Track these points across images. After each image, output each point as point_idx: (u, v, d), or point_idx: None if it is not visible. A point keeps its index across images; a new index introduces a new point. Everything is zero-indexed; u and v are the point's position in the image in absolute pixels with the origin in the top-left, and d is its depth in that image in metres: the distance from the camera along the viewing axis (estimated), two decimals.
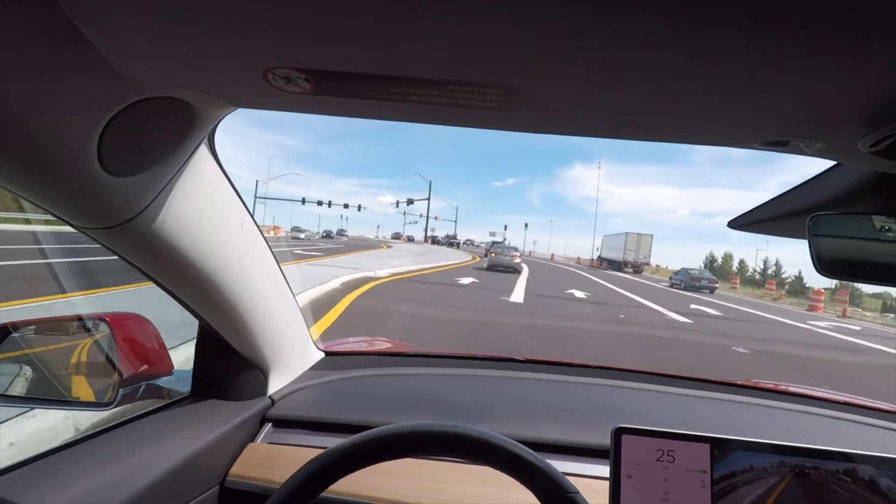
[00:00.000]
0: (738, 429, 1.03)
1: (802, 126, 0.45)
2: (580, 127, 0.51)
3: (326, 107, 0.51)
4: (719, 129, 0.49)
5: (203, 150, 0.66)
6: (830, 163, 0.58)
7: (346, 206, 60.54)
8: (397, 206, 62.57)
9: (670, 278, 25.97)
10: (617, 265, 42.78)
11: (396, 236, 64.42)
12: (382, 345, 1.80)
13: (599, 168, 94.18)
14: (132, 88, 0.48)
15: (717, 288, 24.26)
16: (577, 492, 0.55)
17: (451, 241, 63.80)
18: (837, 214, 0.60)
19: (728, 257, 57.10)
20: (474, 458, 0.58)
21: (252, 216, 0.84)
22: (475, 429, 0.58)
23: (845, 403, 1.21)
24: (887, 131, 0.41)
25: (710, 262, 54.69)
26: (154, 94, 0.50)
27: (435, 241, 67.00)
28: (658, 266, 56.61)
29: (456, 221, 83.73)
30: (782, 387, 1.33)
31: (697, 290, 22.56)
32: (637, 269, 42.15)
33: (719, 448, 0.67)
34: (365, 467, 0.58)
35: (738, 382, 1.33)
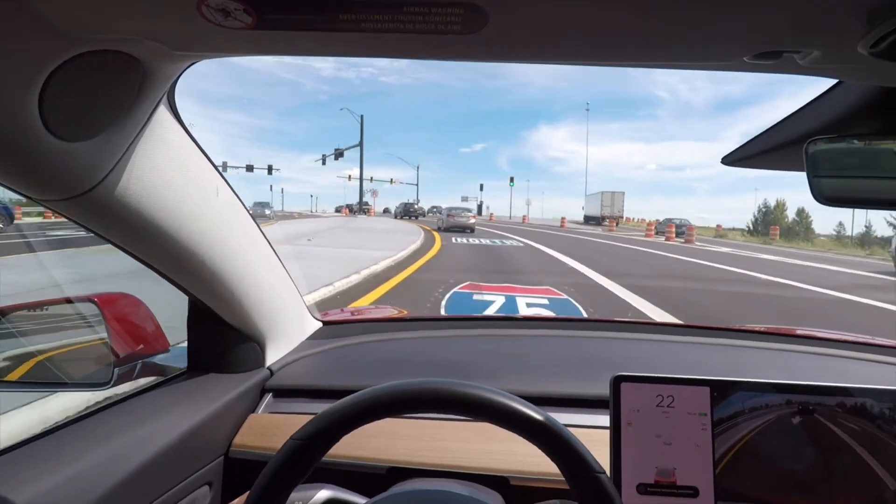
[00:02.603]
0: (739, 372, 1.04)
1: (796, 30, 0.42)
2: (549, 52, 0.48)
3: (272, 45, 0.48)
4: (702, 45, 0.46)
5: (163, 113, 0.64)
6: (824, 87, 0.55)
7: (269, 169, 49.86)
8: (323, 162, 45.31)
9: (655, 226, 30.00)
10: (596, 220, 48.64)
11: (407, 211, 51.86)
12: (381, 312, 1.80)
13: (588, 110, 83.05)
14: (65, 40, 0.45)
15: (684, 231, 27.72)
16: (604, 471, 0.54)
17: (408, 211, 47.37)
18: (836, 138, 0.57)
19: (781, 205, 48.53)
20: (500, 423, 0.56)
21: (229, 184, 0.81)
22: (503, 394, 0.56)
23: (845, 341, 1.22)
24: (888, 27, 0.38)
25: (763, 213, 50.86)
26: (93, 48, 0.47)
27: (390, 211, 55.21)
28: (629, 219, 57.92)
29: (417, 185, 72.48)
30: (781, 329, 1.34)
31: (677, 235, 25.88)
32: (615, 221, 46.19)
33: (719, 390, 0.67)
34: (393, 415, 0.56)
35: (737, 327, 1.34)
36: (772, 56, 0.45)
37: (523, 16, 0.41)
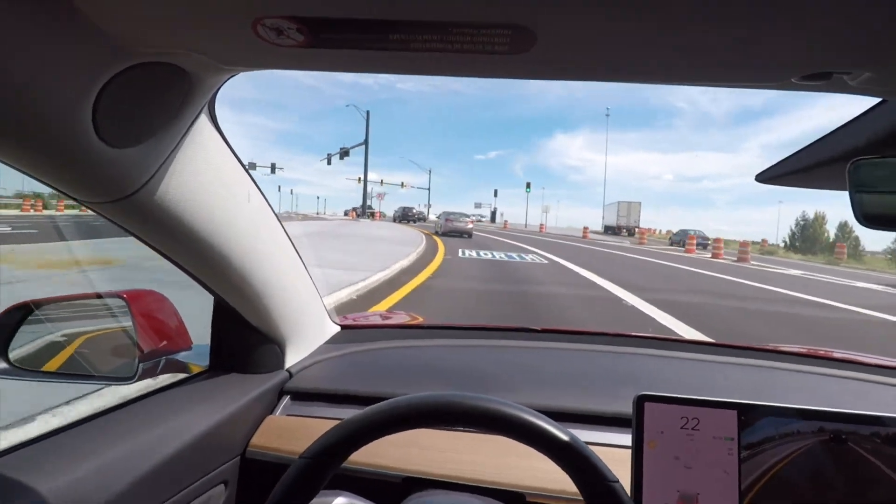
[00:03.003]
0: (767, 395, 1.01)
1: (849, 51, 0.41)
2: (595, 70, 0.48)
3: (322, 61, 0.48)
4: (752, 66, 0.45)
5: (204, 121, 0.65)
6: (869, 104, 0.53)
7: (272, 168, 45.98)
8: (328, 162, 42.55)
9: (670, 238, 31.38)
10: (612, 230, 49.87)
11: (406, 215, 51.28)
12: (399, 318, 1.80)
13: (608, 115, 76.75)
14: (122, 53, 0.47)
15: (709, 244, 27.75)
16: (618, 481, 0.54)
17: (406, 215, 46.00)
18: (882, 158, 0.55)
19: (820, 219, 43.45)
20: (512, 435, 0.56)
21: (259, 189, 0.82)
22: (516, 406, 0.56)
23: (877, 366, 1.18)
24: None
25: (801, 226, 46.19)
26: (145, 60, 0.49)
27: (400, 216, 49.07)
28: (652, 231, 56.89)
29: (429, 189, 69.19)
30: (811, 351, 1.30)
31: (700, 247, 26.67)
32: (630, 232, 47.53)
33: (747, 414, 0.64)
34: (400, 431, 0.57)
35: (766, 347, 1.30)
36: (822, 77, 0.44)
37: (571, 36, 0.41)
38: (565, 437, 0.54)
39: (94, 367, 0.96)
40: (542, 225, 45.65)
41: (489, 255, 14.27)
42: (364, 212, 45.72)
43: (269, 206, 0.87)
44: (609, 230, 51.41)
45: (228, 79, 0.59)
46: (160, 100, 0.55)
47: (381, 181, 60.62)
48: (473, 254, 14.57)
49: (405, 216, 46.49)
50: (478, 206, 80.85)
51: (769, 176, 0.70)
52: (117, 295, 0.95)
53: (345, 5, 0.38)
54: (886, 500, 0.61)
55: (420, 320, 1.66)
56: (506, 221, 51.78)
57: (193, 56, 0.50)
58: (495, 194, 75.97)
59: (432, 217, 76.94)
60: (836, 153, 0.59)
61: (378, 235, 18.62)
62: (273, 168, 47.40)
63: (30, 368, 0.91)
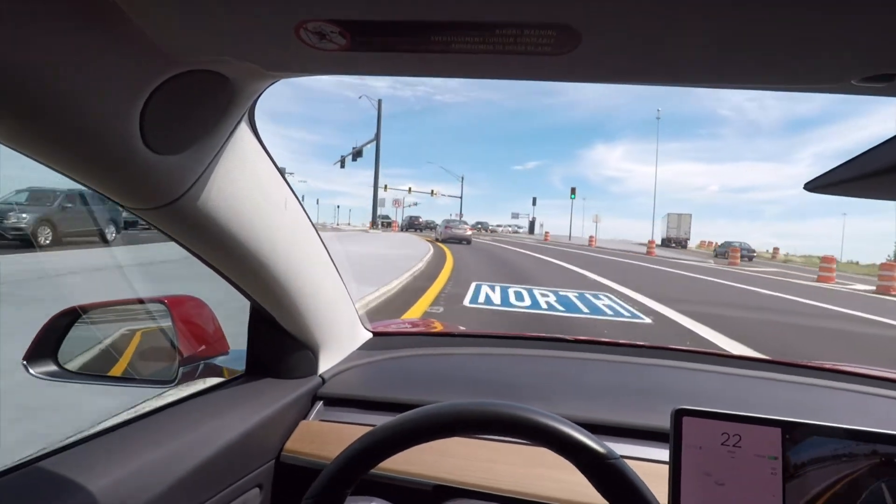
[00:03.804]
0: (814, 414, 0.96)
1: None
2: (641, 73, 0.46)
3: (364, 65, 0.48)
4: (808, 67, 0.43)
5: (244, 128, 0.66)
6: None
7: (282, 172, 44.07)
8: (342, 165, 38.68)
9: (714, 250, 31.14)
10: (666, 243, 48.97)
11: (412, 224, 50.54)
12: (431, 326, 1.80)
13: (658, 118, 63.43)
14: (168, 61, 0.48)
15: (755, 255, 29.08)
16: (619, 457, 0.52)
17: (413, 224, 46.45)
18: None
19: None
20: (506, 434, 0.56)
21: (296, 195, 0.84)
22: (505, 404, 0.56)
23: None
24: None
25: None
26: (190, 68, 0.50)
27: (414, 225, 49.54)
28: (704, 243, 55.30)
29: (461, 197, 63.44)
30: (863, 370, 1.23)
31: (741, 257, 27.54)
32: (680, 244, 47.37)
33: (792, 433, 0.61)
34: (400, 450, 0.57)
35: (813, 364, 1.24)
36: (883, 79, 0.42)
37: (617, 37, 0.40)
38: (603, 450, 0.52)
39: (137, 371, 0.99)
40: (591, 238, 39.58)
41: (526, 299, 8.08)
42: (376, 221, 41.74)
43: (305, 212, 0.88)
44: (664, 243, 49.85)
45: (269, 85, 0.60)
46: (204, 107, 0.56)
47: (410, 189, 57.29)
48: (496, 295, 8.18)
49: (411, 225, 48.19)
50: (515, 216, 78.37)
51: (819, 184, 0.67)
52: (158, 300, 0.98)
53: (387, 7, 0.38)
54: None
55: (454, 328, 1.65)
56: (546, 233, 46.36)
57: (238, 63, 0.51)
58: (534, 203, 69.55)
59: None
60: (893, 162, 0.56)
61: (374, 254, 14.38)
62: (283, 174, 45.68)
63: (77, 371, 0.95)
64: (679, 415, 0.64)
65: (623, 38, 0.40)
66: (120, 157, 0.52)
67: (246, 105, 0.60)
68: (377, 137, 38.21)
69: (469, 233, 26.91)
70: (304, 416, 0.99)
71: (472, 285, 9.11)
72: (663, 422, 0.65)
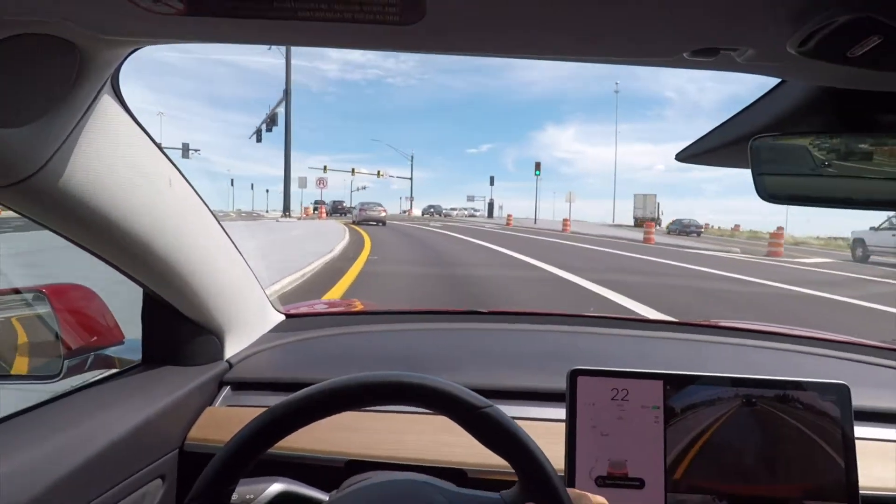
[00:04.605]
0: (695, 366, 1.07)
1: (727, 27, 0.43)
2: (487, 45, 0.48)
3: (206, 31, 0.47)
4: (641, 40, 0.46)
5: (108, 101, 0.62)
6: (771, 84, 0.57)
7: (184, 150, 34.40)
8: (258, 139, 31.25)
9: (667, 227, 30.68)
10: (639, 223, 48.11)
11: (336, 208, 47.91)
12: (352, 305, 1.79)
13: (616, 91, 64.24)
14: None
15: (702, 232, 28.83)
16: (491, 405, 0.54)
17: (337, 209, 45.26)
18: (778, 136, 0.59)
19: None
20: (383, 402, 0.57)
21: (183, 175, 0.79)
22: (380, 373, 0.56)
23: (801, 337, 1.26)
24: (812, 26, 0.39)
25: None
26: (21, 31, 0.46)
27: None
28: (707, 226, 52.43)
29: (412, 178, 60.22)
30: (739, 324, 1.38)
31: (688, 234, 27.81)
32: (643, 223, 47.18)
33: (672, 384, 0.69)
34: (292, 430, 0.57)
35: (695, 322, 1.37)
36: (710, 53, 0.46)
37: (462, 8, 0.41)
38: (474, 401, 0.54)
39: (14, 367, 0.91)
40: (566, 221, 30.67)
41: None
42: (288, 206, 32.18)
43: (196, 192, 0.84)
44: (636, 223, 48.35)
45: (127, 56, 0.56)
46: (49, 76, 0.52)
47: (353, 170, 52.39)
48: None
49: (335, 209, 47.41)
50: (470, 199, 73.71)
51: (687, 154, 0.74)
52: (37, 290, 0.90)
53: None
54: (794, 457, 0.66)
55: (371, 307, 1.65)
56: (510, 216, 37.86)
57: (73, 27, 0.47)
58: (491, 182, 59.88)
59: (416, 212, 64.01)
60: (742, 132, 0.63)
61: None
62: (185, 150, 36.50)
63: None
64: (574, 375, 0.69)
65: (466, 10, 0.41)
66: None
67: (102, 76, 0.56)
68: (286, 95, 29.43)
69: (383, 214, 28.18)
70: (210, 403, 0.95)
71: None
72: (562, 383, 0.70)
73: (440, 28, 0.44)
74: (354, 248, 12.71)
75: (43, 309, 0.90)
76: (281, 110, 29.73)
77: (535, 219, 43.51)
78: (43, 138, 0.55)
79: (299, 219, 30.61)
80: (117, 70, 0.60)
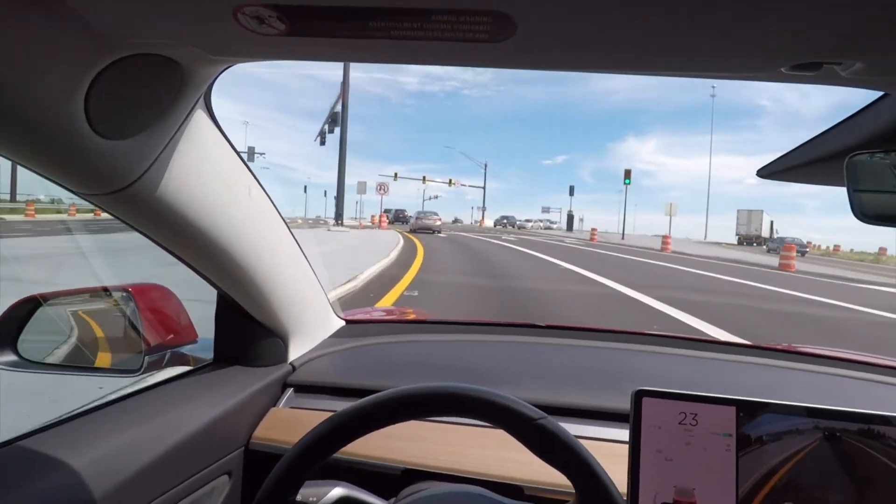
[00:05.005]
0: (771, 394, 1.01)
1: (837, 41, 0.40)
2: (578, 61, 0.48)
3: (304, 50, 0.49)
4: (738, 55, 0.44)
5: (200, 115, 0.66)
6: (873, 97, 0.53)
7: (250, 153, 36.44)
8: (322, 142, 31.67)
9: (766, 245, 29.09)
10: (744, 242, 45.65)
11: (398, 217, 46.99)
12: (405, 314, 1.81)
13: (713, 96, 56.61)
14: (109, 44, 0.48)
15: (807, 252, 27.17)
16: (546, 417, 0.54)
17: (399, 217, 45.35)
18: (879, 152, 0.55)
19: None
20: (439, 413, 0.57)
21: (260, 184, 0.83)
22: (440, 384, 0.57)
23: (885, 367, 1.16)
24: None
25: None
26: (134, 52, 0.49)
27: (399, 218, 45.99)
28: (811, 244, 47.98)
29: (484, 187, 59.09)
30: (819, 351, 1.28)
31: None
32: (749, 241, 44.75)
33: (746, 411, 0.64)
34: (359, 435, 0.58)
35: (771, 346, 1.28)
36: (811, 67, 0.44)
37: (552, 25, 0.41)
38: (530, 413, 0.54)
39: (101, 360, 0.98)
40: (666, 238, 24.84)
41: None
42: (341, 214, 29.77)
43: (271, 200, 0.88)
44: (740, 241, 46.28)
45: (222, 71, 0.60)
46: (153, 92, 0.55)
47: (424, 178, 52.07)
48: None
49: (397, 218, 47.88)
50: (545, 210, 72.01)
51: (771, 171, 0.70)
52: (123, 289, 0.96)
53: None
54: (884, 498, 0.60)
55: (428, 316, 1.66)
56: (594, 230, 33.67)
57: (183, 47, 0.51)
58: (571, 192, 55.61)
59: (488, 222, 61.18)
60: (836, 148, 0.59)
61: None
62: (251, 153, 37.85)
63: (38, 361, 0.93)
64: (639, 396, 0.66)
65: (557, 26, 0.41)
66: (67, 143, 0.51)
67: (199, 90, 0.60)
68: (343, 94, 26.98)
69: (438, 223, 30.24)
70: (275, 404, 0.99)
71: None
72: (626, 403, 0.67)
73: (531, 45, 0.44)
74: (400, 265, 10.61)
75: (128, 307, 0.96)
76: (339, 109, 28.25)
77: (623, 233, 38.58)
78: (143, 150, 0.59)
79: (361, 227, 30.31)
80: (210, 85, 0.64)
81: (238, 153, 0.77)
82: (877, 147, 0.55)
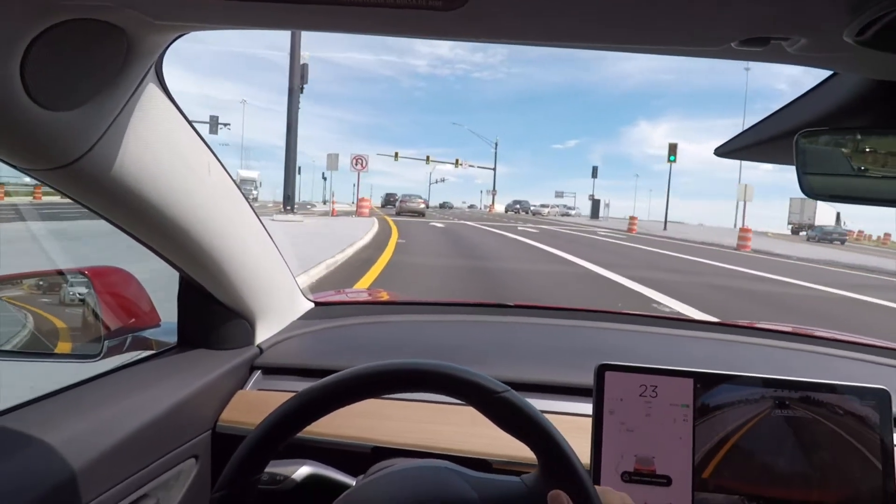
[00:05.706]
0: (727, 366, 1.05)
1: (781, 15, 0.41)
2: (532, 32, 0.47)
3: (251, 17, 0.48)
4: (689, 29, 0.45)
5: (151, 87, 0.64)
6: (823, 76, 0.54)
7: (213, 123, 31.45)
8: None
9: (807, 233, 28.42)
10: (799, 231, 43.93)
11: (389, 201, 45.34)
12: (377, 295, 1.81)
13: (747, 69, 41.82)
14: (44, 9, 0.45)
15: (846, 240, 26.93)
16: (509, 389, 0.55)
17: (389, 201, 44.03)
18: (827, 130, 0.56)
19: None
20: (405, 388, 0.57)
21: (220, 163, 0.81)
22: (403, 361, 0.57)
23: (838, 340, 1.22)
24: (873, 14, 0.37)
25: None
26: (73, 16, 0.47)
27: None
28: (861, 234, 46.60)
29: (495, 168, 55.11)
30: (773, 325, 1.34)
31: (830, 242, 25.84)
32: (802, 230, 43.11)
33: (703, 382, 0.68)
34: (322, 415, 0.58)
35: (728, 322, 1.34)
36: (759, 42, 0.44)
37: None
38: (492, 386, 0.55)
39: (58, 346, 0.95)
40: (746, 231, 18.99)
41: None
42: (290, 198, 20.63)
43: (232, 179, 0.85)
44: (795, 231, 44.56)
45: (173, 41, 0.57)
46: (97, 60, 0.53)
47: (428, 158, 46.94)
48: None
49: (388, 202, 46.62)
50: (559, 195, 66.47)
51: (727, 150, 0.71)
52: (80, 271, 0.93)
53: None
54: (829, 463, 0.64)
55: (399, 297, 1.66)
56: (633, 219, 27.88)
57: (126, 12, 0.48)
58: (594, 174, 49.23)
59: (499, 207, 56.86)
60: (787, 127, 0.60)
61: None
62: (214, 124, 32.65)
63: None
64: (601, 370, 0.69)
65: None
66: (5, 113, 0.49)
67: (148, 60, 0.58)
68: (292, 59, 19.59)
69: (422, 206, 29.98)
70: (242, 387, 0.98)
71: None
72: (589, 378, 0.69)
73: (484, 13, 0.44)
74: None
75: (85, 290, 0.93)
76: (309, 65, 20.48)
77: (665, 223, 32.59)
78: (90, 122, 0.56)
79: (335, 213, 23.21)
80: (161, 56, 0.61)
81: (195, 130, 0.74)
82: (825, 125, 0.57)
